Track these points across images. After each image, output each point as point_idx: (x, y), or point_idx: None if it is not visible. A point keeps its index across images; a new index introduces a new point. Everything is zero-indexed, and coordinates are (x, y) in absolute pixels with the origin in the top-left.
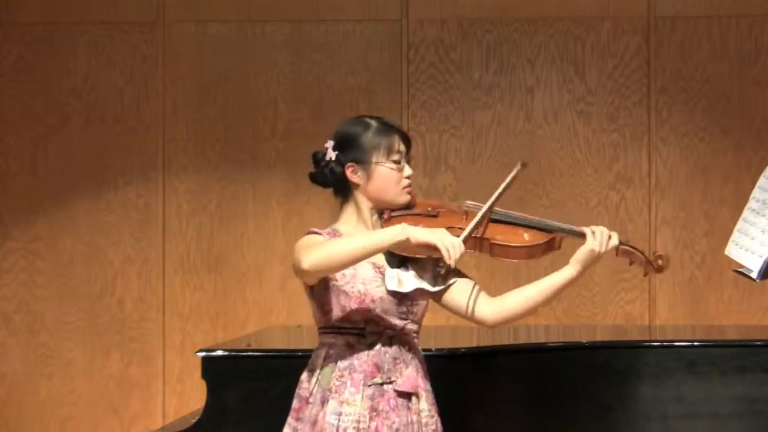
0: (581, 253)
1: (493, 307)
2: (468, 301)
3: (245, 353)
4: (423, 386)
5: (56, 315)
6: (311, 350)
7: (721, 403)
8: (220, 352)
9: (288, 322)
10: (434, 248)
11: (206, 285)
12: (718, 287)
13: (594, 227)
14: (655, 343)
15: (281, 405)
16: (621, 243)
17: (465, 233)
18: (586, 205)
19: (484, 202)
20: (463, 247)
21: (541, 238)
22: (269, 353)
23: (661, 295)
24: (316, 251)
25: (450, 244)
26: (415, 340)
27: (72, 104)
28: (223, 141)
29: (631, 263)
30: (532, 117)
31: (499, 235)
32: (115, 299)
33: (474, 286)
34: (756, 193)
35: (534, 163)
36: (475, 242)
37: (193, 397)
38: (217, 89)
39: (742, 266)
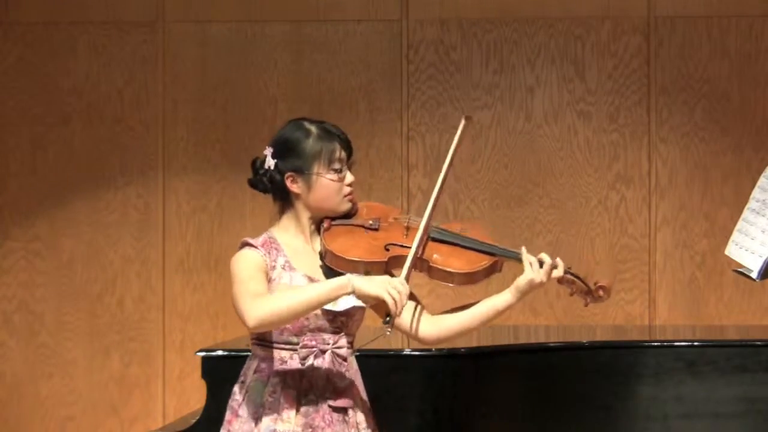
0: (521, 282)
1: (434, 327)
2: (411, 322)
3: (245, 353)
4: (358, 398)
5: (56, 315)
6: None
7: (721, 403)
8: (220, 352)
9: None
10: (380, 300)
11: (206, 285)
12: (718, 287)
13: (539, 256)
14: (655, 343)
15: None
16: (566, 272)
17: (406, 269)
18: (586, 205)
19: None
20: (408, 289)
21: (481, 262)
22: None
23: (661, 295)
24: (260, 308)
25: (396, 294)
26: (348, 351)
27: (72, 104)
28: (223, 141)
29: (571, 293)
30: (532, 117)
31: (439, 257)
32: (115, 299)
33: (417, 306)
34: (756, 193)
35: (534, 163)
36: (414, 263)
37: (193, 397)
38: (217, 89)
39: (742, 266)
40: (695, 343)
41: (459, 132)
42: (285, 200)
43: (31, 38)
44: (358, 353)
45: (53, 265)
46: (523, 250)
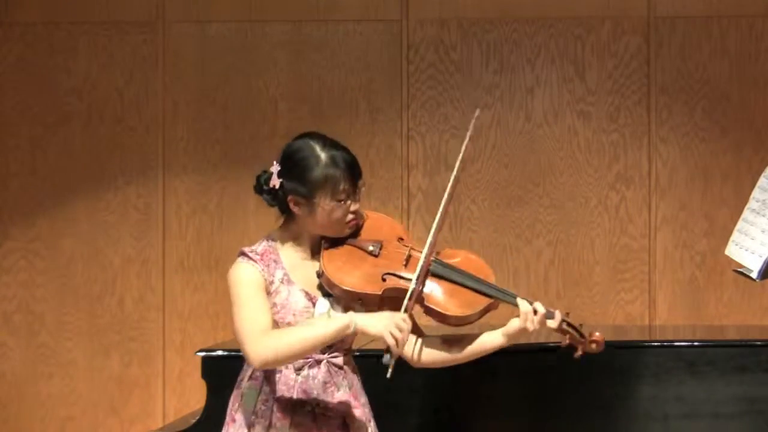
0: (513, 328)
1: (431, 355)
2: (413, 353)
3: None
4: (357, 404)
5: (56, 315)
6: None
7: (721, 403)
8: (220, 352)
9: None
10: (381, 338)
11: (206, 285)
12: (718, 287)
13: (534, 305)
14: (655, 343)
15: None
16: (561, 322)
17: (405, 304)
18: (586, 205)
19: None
20: (410, 325)
21: (478, 304)
22: None
23: (661, 295)
24: (265, 350)
25: (398, 333)
26: (345, 359)
27: (72, 104)
28: (223, 141)
29: (564, 343)
30: (532, 117)
31: (435, 296)
32: (115, 299)
33: (417, 339)
34: (756, 193)
35: (534, 163)
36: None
37: (193, 397)
38: (217, 89)
39: (742, 266)
40: (695, 343)
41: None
42: (287, 214)
43: (31, 38)
44: (357, 353)
45: (53, 265)
46: (518, 298)
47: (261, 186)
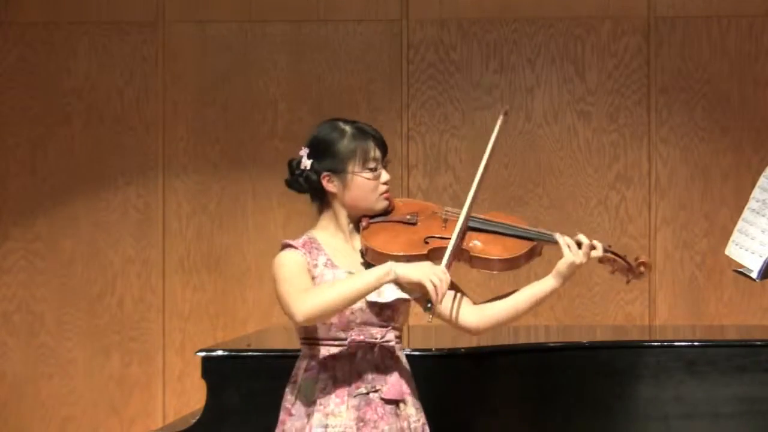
0: (562, 265)
1: (476, 315)
2: (452, 309)
3: (245, 353)
4: (408, 391)
5: (56, 315)
6: None
7: (721, 403)
8: (220, 352)
9: (288, 322)
10: (422, 286)
11: (206, 285)
12: (718, 287)
13: (577, 237)
14: (655, 343)
15: (281, 405)
16: (606, 251)
17: (447, 258)
18: (586, 205)
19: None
20: (449, 277)
21: (521, 247)
22: (269, 353)
23: (661, 295)
24: (306, 302)
25: (437, 280)
26: (397, 346)
27: (72, 104)
28: (223, 141)
29: (612, 272)
30: (532, 117)
31: (478, 245)
32: (115, 299)
33: (457, 294)
34: (756, 193)
35: (534, 163)
36: (454, 252)
37: (193, 397)
38: (217, 89)
39: (742, 266)
40: (695, 343)
41: (497, 127)
42: (322, 200)
43: (31, 38)
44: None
45: (53, 265)
46: (557, 234)
47: (293, 171)
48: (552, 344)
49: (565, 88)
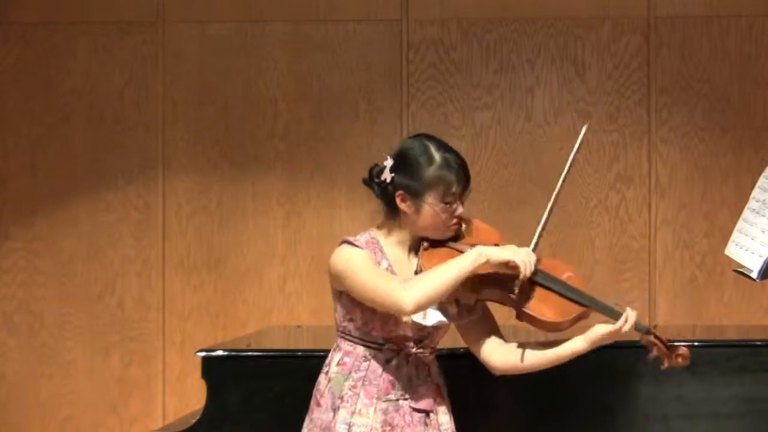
0: (597, 334)
1: (501, 357)
2: (482, 342)
3: (245, 353)
4: (441, 400)
5: (56, 315)
6: (311, 350)
7: (721, 403)
8: (220, 352)
9: (288, 322)
10: (512, 266)
11: (206, 285)
12: (718, 287)
13: (627, 315)
14: None
15: (281, 405)
16: (650, 333)
17: (535, 241)
18: (586, 205)
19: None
20: (534, 258)
21: (572, 312)
22: (269, 353)
23: (661, 295)
24: (413, 292)
25: (527, 259)
26: (432, 359)
27: (72, 104)
28: (223, 141)
29: (653, 356)
30: (532, 117)
31: (533, 302)
32: (115, 299)
33: (492, 330)
34: (756, 193)
35: (534, 163)
36: (508, 301)
37: (193, 397)
38: (217, 89)
39: (742, 266)
40: (695, 343)
41: (578, 142)
42: (392, 208)
43: (31, 38)
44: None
45: (53, 265)
46: (614, 309)
47: (372, 178)
48: None
49: (565, 88)
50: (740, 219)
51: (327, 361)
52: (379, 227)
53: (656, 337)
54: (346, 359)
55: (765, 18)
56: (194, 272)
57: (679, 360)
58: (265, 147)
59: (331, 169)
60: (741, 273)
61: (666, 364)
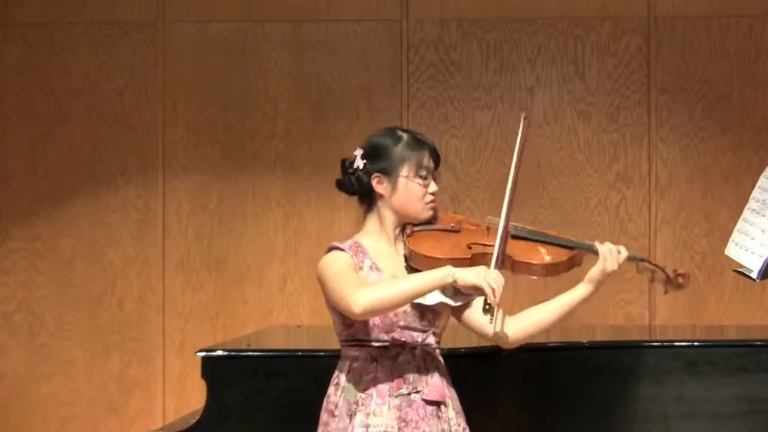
0: (594, 272)
1: (510, 328)
2: (492, 325)
3: (245, 353)
4: (449, 395)
5: (56, 315)
6: (311, 350)
7: (721, 403)
8: (220, 352)
9: (288, 322)
10: (479, 289)
11: (206, 285)
12: (718, 287)
13: (606, 245)
14: (655, 343)
15: (281, 405)
16: (642, 260)
17: (494, 263)
18: (586, 205)
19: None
20: (503, 280)
21: (562, 255)
22: (269, 353)
23: (661, 295)
24: (365, 296)
25: (494, 283)
26: (437, 351)
27: (72, 104)
28: (223, 141)
29: (651, 281)
30: (532, 117)
31: (520, 252)
32: (115, 299)
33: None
34: (756, 193)
35: (534, 163)
36: (500, 256)
37: (193, 397)
38: (217, 89)
39: (742, 266)
40: (695, 343)
41: (520, 133)
42: (370, 202)
43: (31, 38)
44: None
45: (53, 265)
46: (596, 244)
47: (345, 170)
48: (552, 344)
49: (565, 88)
50: (740, 219)
51: (335, 374)
52: (361, 231)
53: (652, 263)
54: (355, 365)
55: (765, 18)
56: (194, 272)
57: (681, 281)
58: (265, 147)
59: (331, 169)
60: (741, 273)
61: (668, 289)
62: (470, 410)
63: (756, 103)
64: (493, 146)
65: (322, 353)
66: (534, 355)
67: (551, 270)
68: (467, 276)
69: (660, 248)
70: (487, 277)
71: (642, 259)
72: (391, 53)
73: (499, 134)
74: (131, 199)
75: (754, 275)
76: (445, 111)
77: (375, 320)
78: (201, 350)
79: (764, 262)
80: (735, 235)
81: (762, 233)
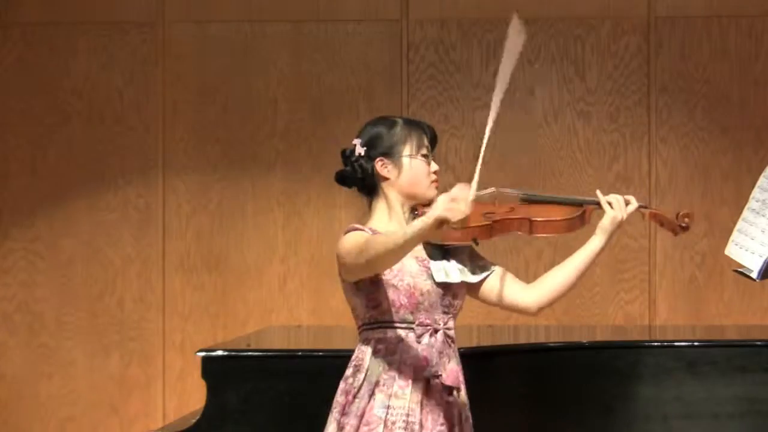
0: (605, 221)
1: (533, 294)
2: (508, 293)
3: (245, 353)
4: (462, 380)
5: (56, 315)
6: (311, 350)
7: (721, 403)
8: (220, 352)
9: (288, 322)
10: (443, 219)
11: (206, 285)
12: (718, 287)
13: (610, 197)
14: (655, 343)
15: (281, 405)
16: (645, 207)
17: (476, 180)
18: None
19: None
20: (466, 197)
21: (575, 211)
22: (269, 353)
23: (661, 295)
24: (374, 239)
25: (451, 204)
26: (455, 340)
27: (72, 104)
28: (223, 141)
29: (661, 225)
30: (532, 117)
31: (537, 213)
32: (115, 299)
33: (508, 278)
34: (756, 193)
35: (534, 163)
36: (516, 223)
37: (193, 397)
38: (217, 89)
39: (742, 266)
40: (695, 343)
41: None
42: (374, 190)
43: (31, 38)
44: None
45: (53, 265)
46: (598, 193)
47: (347, 160)
48: (552, 344)
49: (565, 88)
50: (740, 219)
51: (353, 361)
52: (370, 220)
53: (654, 210)
54: (380, 346)
55: (765, 18)
56: (194, 272)
57: (686, 221)
58: (265, 147)
59: (331, 169)
60: (741, 273)
61: (676, 232)
62: (471, 409)
63: (756, 103)
64: (493, 146)
65: (322, 353)
66: (534, 355)
67: (569, 226)
68: (430, 214)
69: (660, 248)
70: (444, 203)
71: (646, 207)
72: (390, 53)
73: (499, 134)
74: (131, 199)
75: (754, 275)
76: (445, 111)
77: (401, 300)
78: (201, 350)
79: (764, 262)
80: (735, 235)
81: (762, 233)
